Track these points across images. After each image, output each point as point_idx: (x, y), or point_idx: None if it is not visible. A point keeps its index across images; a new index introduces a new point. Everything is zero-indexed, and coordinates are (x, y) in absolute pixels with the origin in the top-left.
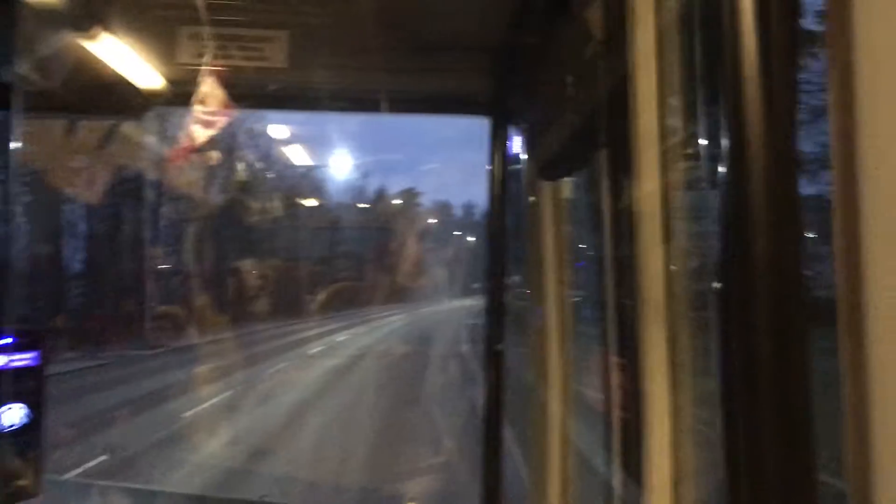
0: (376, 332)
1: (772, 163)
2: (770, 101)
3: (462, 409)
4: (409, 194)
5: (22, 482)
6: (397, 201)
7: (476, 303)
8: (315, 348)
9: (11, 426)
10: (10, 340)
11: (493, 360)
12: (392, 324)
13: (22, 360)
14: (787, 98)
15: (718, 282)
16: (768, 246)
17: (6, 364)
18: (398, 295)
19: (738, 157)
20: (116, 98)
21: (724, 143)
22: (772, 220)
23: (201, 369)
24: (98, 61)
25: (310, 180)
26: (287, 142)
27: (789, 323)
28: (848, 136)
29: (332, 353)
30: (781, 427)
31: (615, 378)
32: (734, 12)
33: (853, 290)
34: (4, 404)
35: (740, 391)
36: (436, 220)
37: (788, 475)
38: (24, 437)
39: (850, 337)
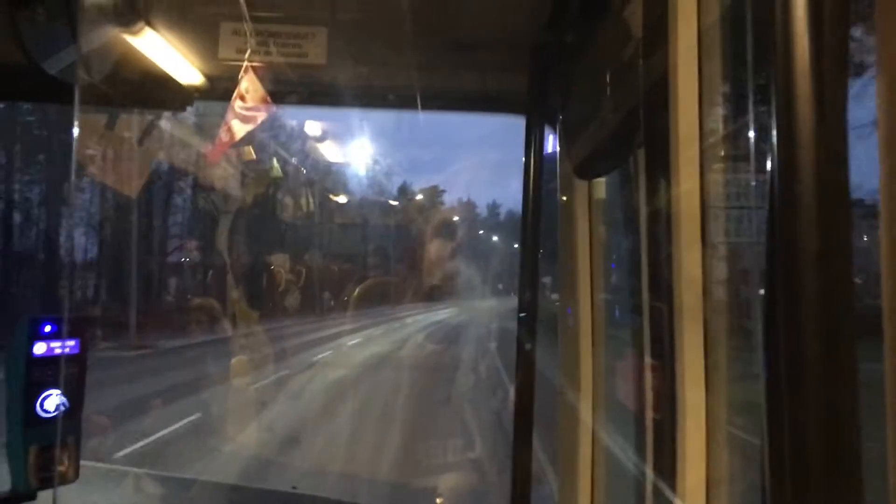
0: (399, 333)
1: (823, 160)
2: (822, 98)
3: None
4: (433, 191)
5: (61, 467)
6: (420, 197)
7: (499, 304)
8: (322, 353)
9: (51, 412)
10: (50, 328)
11: (524, 360)
12: (417, 323)
13: (63, 347)
14: (839, 94)
15: (765, 281)
16: (818, 245)
17: (47, 351)
18: (424, 294)
19: (787, 154)
20: (158, 92)
21: (774, 139)
22: (821, 219)
23: (172, 382)
24: (141, 56)
25: (340, 177)
26: (320, 138)
27: (838, 324)
28: None
29: (342, 361)
30: (828, 431)
31: (649, 381)
32: (786, 9)
33: None
34: (45, 391)
35: (786, 394)
36: (458, 218)
37: (834, 482)
38: (63, 423)
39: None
